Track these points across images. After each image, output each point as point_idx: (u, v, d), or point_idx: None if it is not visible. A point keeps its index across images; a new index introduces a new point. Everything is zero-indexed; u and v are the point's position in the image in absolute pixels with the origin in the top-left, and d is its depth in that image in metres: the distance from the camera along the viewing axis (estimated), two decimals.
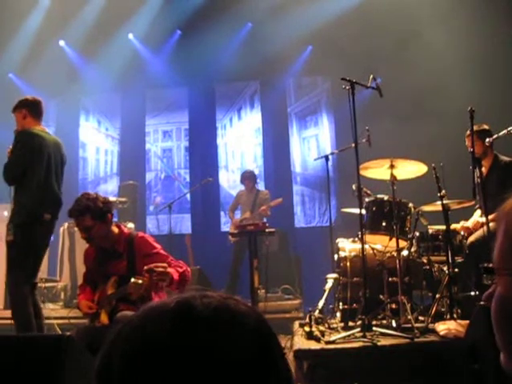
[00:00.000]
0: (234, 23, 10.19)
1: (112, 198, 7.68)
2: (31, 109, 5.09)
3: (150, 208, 10.90)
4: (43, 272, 6.73)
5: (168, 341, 0.75)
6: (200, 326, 0.75)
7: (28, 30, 10.66)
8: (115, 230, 4.02)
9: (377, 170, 5.08)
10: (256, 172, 9.32)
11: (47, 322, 5.70)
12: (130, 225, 7.48)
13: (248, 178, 8.71)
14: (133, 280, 3.55)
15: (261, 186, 9.79)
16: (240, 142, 11.11)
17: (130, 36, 11.04)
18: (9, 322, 7.23)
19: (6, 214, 8.16)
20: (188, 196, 10.31)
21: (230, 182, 10.81)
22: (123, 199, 8.42)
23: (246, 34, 10.66)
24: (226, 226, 9.98)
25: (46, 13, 10.46)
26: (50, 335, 3.56)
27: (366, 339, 4.11)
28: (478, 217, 5.46)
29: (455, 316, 4.46)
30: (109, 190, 10.72)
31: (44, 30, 10.37)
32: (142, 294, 3.57)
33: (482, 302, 3.81)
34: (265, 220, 7.89)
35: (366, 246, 4.82)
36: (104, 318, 3.88)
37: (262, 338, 0.80)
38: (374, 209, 5.05)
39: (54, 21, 10.24)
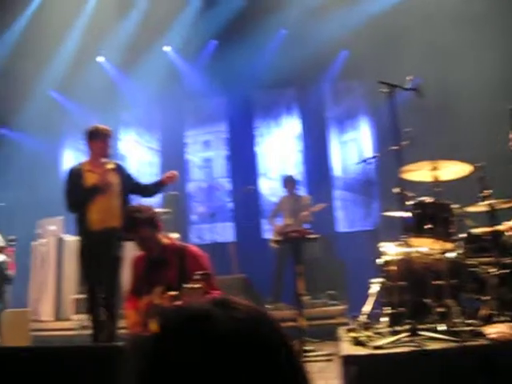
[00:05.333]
0: (268, 30, 10.23)
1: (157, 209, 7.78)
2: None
3: (192, 218, 10.99)
4: None
5: (172, 354, 0.78)
6: (210, 344, 0.78)
7: (68, 48, 10.94)
8: (164, 239, 4.09)
9: (419, 173, 5.02)
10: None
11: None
12: (175, 235, 7.55)
13: (290, 181, 8.73)
14: (187, 286, 3.54)
15: (302, 191, 9.76)
16: (279, 149, 11.13)
17: (167, 49, 11.20)
18: (59, 333, 7.48)
19: (54, 227, 8.41)
20: (230, 205, 10.36)
21: (270, 189, 10.82)
22: (167, 210, 8.51)
23: (280, 41, 10.68)
24: (267, 233, 9.99)
25: (85, 30, 10.72)
26: (102, 345, 3.62)
27: (413, 344, 4.06)
28: None
29: (505, 318, 4.37)
30: (152, 201, 10.83)
31: (83, 46, 10.63)
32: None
33: None
34: (307, 226, 7.88)
35: (411, 250, 4.77)
36: (154, 327, 3.92)
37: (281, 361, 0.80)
38: (417, 211, 4.98)
39: (92, 37, 10.48)
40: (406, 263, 4.50)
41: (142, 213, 4.00)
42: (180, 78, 11.09)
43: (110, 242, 5.16)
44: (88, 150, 5.40)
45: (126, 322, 4.21)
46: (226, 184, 11.16)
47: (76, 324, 7.04)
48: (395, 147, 4.63)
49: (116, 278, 5.21)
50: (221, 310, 0.81)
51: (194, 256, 4.02)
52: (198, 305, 0.84)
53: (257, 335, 0.80)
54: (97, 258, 5.18)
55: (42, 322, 8.04)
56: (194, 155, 11.43)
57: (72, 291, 8.00)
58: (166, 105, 11.15)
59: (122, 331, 5.82)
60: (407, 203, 4.99)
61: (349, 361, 4.04)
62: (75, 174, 5.28)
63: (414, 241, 4.89)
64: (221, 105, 11.43)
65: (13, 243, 6.88)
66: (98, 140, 5.31)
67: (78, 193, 5.19)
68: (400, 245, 5.31)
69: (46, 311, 8.20)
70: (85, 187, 5.20)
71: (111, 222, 5.16)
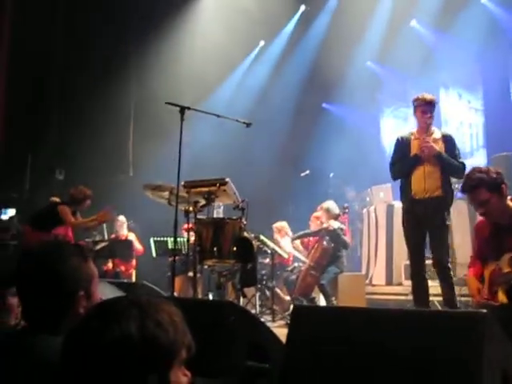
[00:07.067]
0: None
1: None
2: None
3: None
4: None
5: None
6: None
7: (380, 17, 11.08)
8: (511, 203, 3.80)
9: None
10: None
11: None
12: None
13: None
14: None
15: None
16: None
17: (484, 0, 10.50)
18: (391, 297, 7.64)
19: (383, 194, 8.62)
20: None
21: None
22: None
23: None
24: None
25: None
26: (464, 312, 3.54)
27: None
28: None
29: None
30: (476, 164, 10.35)
31: (395, 14, 10.66)
32: None
33: None
34: None
35: None
36: (502, 297, 3.71)
37: None
38: None
39: (403, 3, 10.50)
40: None
41: (483, 174, 3.76)
42: (501, 30, 10.30)
43: (433, 210, 5.12)
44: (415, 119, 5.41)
45: (469, 289, 4.07)
46: None
47: (407, 289, 7.13)
48: None
49: (444, 246, 5.17)
50: None
51: None
52: None
53: None
54: (420, 225, 5.19)
55: (374, 285, 8.33)
56: None
57: (403, 257, 8.10)
58: (487, 59, 10.48)
59: (463, 298, 5.72)
60: None
61: None
62: (402, 143, 5.38)
63: None
64: None
65: (346, 211, 7.24)
66: (421, 109, 5.27)
67: (402, 162, 5.29)
68: None
69: (378, 276, 8.46)
70: (408, 156, 5.26)
71: (433, 192, 5.15)
